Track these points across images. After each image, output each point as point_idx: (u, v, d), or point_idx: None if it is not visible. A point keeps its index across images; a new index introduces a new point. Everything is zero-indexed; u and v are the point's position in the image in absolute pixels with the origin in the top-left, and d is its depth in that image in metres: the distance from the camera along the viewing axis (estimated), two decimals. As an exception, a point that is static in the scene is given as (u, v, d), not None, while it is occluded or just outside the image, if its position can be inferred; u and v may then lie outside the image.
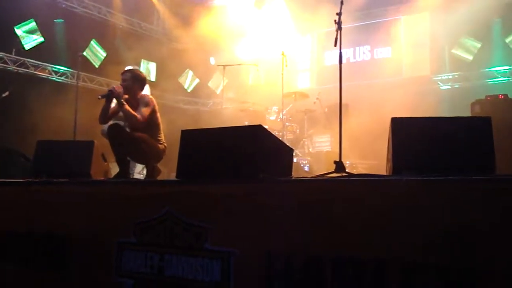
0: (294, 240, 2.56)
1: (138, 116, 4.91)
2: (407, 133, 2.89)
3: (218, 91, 12.20)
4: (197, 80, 12.72)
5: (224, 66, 8.82)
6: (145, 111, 4.99)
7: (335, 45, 3.93)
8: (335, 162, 3.69)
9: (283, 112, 8.40)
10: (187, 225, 2.85)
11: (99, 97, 4.94)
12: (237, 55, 11.19)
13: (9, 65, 9.43)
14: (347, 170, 3.77)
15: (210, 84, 12.55)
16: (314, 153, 8.48)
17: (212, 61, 12.39)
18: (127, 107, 4.86)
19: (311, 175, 4.77)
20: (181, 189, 3.05)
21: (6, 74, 9.26)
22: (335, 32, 3.96)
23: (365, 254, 2.33)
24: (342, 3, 4.05)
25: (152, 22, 12.67)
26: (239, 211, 2.75)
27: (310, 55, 12.04)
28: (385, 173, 3.31)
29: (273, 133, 4.80)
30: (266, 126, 7.68)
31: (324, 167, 7.50)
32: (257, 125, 2.94)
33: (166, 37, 12.71)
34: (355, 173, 4.33)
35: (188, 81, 12.62)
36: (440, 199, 2.25)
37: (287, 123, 8.48)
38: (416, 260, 2.21)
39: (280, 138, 6.79)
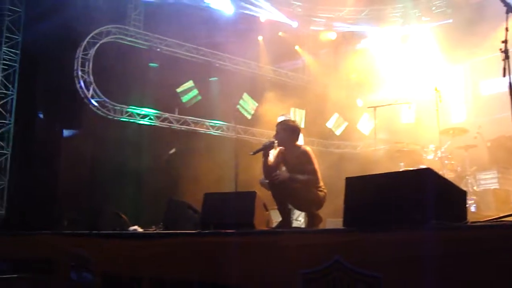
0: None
1: (312, 177, 5.13)
2: None
3: (367, 133, 12.00)
4: (345, 123, 12.70)
5: (375, 107, 8.61)
6: (313, 168, 5.16)
7: (504, 75, 3.61)
8: (516, 203, 3.32)
9: (441, 150, 7.93)
10: (359, 276, 2.73)
11: (251, 153, 5.25)
12: (385, 94, 10.92)
13: (173, 123, 10.35)
14: (529, 212, 3.36)
15: (358, 126, 12.42)
16: (479, 192, 7.77)
17: (360, 103, 12.27)
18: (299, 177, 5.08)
19: (485, 217, 4.36)
20: (349, 238, 2.95)
21: (171, 132, 10.18)
22: (502, 62, 3.64)
23: None
24: (507, 29, 3.74)
25: (298, 71, 13.05)
26: (413, 259, 2.57)
27: (463, 86, 11.32)
28: None
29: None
30: (423, 166, 7.31)
31: (494, 206, 6.89)
32: (425, 168, 2.83)
33: (313, 84, 12.98)
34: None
35: (337, 124, 12.65)
36: None
37: (445, 161, 7.95)
38: None
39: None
